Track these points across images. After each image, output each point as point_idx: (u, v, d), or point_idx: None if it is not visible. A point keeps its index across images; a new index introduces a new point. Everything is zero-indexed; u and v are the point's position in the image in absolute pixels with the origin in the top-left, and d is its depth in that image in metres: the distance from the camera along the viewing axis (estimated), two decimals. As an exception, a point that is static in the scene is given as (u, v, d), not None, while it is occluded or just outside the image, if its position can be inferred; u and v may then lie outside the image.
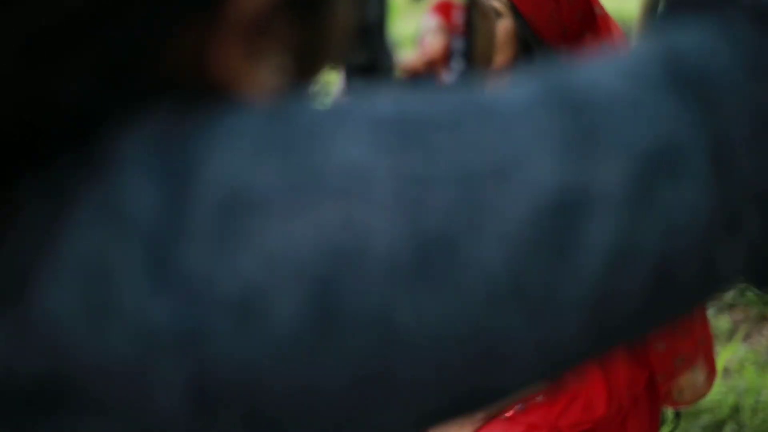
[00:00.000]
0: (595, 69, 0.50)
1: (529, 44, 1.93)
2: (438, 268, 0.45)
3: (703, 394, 2.12)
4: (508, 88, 0.50)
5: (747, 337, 3.82)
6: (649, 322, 0.50)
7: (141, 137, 0.47)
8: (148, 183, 0.45)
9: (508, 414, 1.92)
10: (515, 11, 1.96)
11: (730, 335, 3.81)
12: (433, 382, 0.47)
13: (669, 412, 2.26)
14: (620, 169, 0.47)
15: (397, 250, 0.45)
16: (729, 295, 3.80)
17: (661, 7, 0.57)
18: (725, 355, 3.59)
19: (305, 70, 0.56)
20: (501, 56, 1.97)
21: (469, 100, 0.49)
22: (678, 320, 0.52)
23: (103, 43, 0.49)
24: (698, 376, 2.10)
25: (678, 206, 0.48)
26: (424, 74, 0.79)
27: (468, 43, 0.79)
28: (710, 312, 3.66)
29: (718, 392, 3.38)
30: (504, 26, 1.96)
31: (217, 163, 0.45)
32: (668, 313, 0.51)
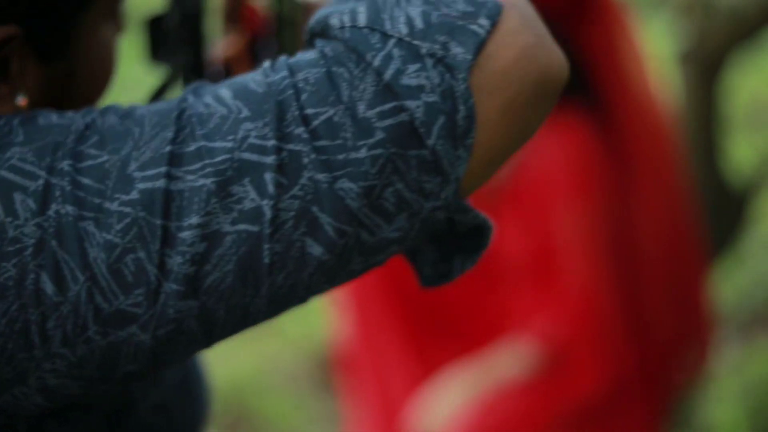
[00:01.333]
0: (228, 85, 0.66)
1: None
2: (53, 252, 0.64)
3: (698, 369, 2.14)
4: (156, 102, 0.68)
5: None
6: (254, 301, 0.66)
7: None
8: None
9: (491, 392, 1.96)
10: None
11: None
12: (70, 342, 0.65)
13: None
14: (203, 172, 0.64)
15: (25, 235, 0.64)
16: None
17: None
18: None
19: (60, 107, 0.73)
20: None
21: (122, 111, 0.67)
22: (295, 305, 0.68)
23: None
24: (692, 351, 2.12)
25: (247, 204, 0.64)
26: (226, 69, 0.82)
27: (279, 43, 0.82)
28: None
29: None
30: None
31: None
32: (270, 298, 0.66)
